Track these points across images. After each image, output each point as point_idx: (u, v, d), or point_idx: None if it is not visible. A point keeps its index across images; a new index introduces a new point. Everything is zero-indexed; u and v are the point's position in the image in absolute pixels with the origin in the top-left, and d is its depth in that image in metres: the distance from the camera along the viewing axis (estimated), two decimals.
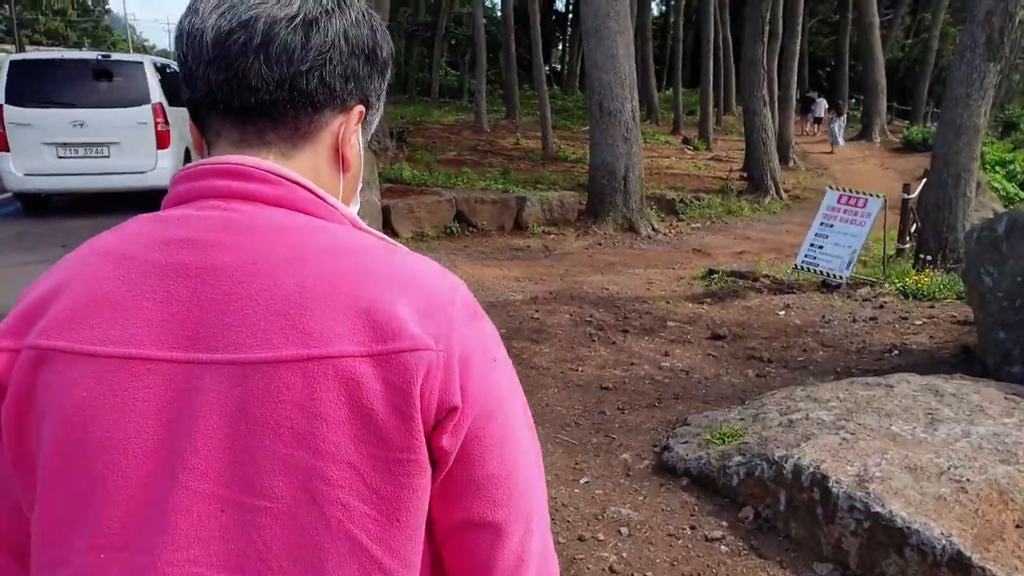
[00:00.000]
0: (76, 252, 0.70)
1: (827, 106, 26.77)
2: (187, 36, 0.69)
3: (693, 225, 13.05)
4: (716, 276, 8.05)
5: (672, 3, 36.37)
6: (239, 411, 0.61)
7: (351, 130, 0.74)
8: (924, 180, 9.60)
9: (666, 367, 5.17)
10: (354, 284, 0.64)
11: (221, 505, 0.61)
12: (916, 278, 7.02)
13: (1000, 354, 4.22)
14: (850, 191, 8.28)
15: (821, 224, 8.34)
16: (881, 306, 6.66)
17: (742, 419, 3.60)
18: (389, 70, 0.78)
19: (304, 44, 0.68)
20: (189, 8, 0.70)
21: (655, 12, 33.52)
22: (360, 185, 0.81)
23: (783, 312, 6.66)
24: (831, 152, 23.60)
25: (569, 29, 45.86)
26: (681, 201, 14.30)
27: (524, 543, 0.69)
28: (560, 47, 48.91)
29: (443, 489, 0.67)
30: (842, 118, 24.85)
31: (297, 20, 0.68)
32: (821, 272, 8.12)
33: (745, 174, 18.49)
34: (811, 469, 2.87)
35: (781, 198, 15.91)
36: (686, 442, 3.53)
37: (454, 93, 40.47)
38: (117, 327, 0.63)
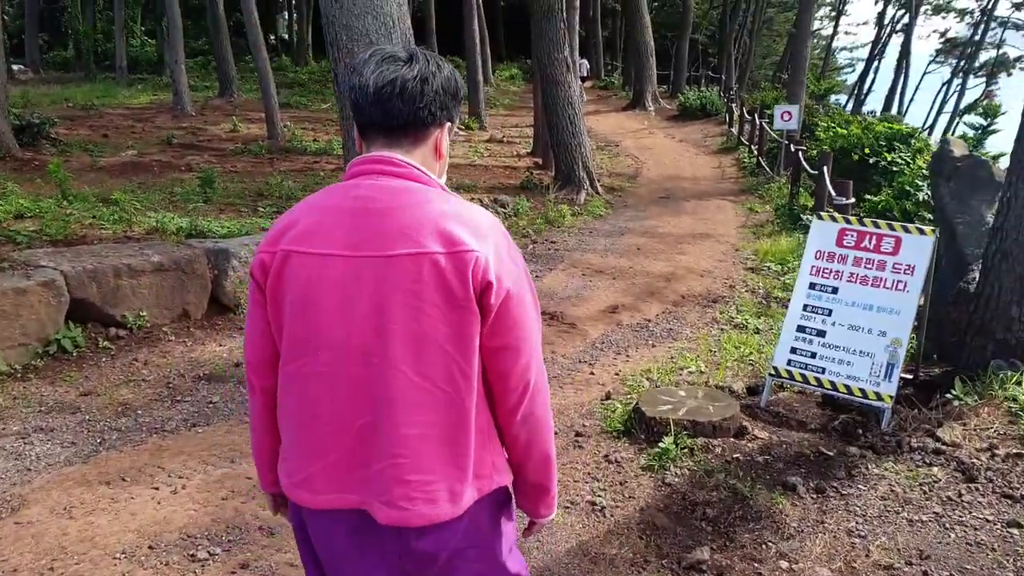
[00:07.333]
0: (302, 204, 1.43)
1: (589, 66, 24.31)
2: (358, 88, 1.37)
3: None
4: (666, 444, 3.71)
5: None
6: (381, 280, 1.31)
7: (444, 136, 1.45)
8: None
9: None
10: (437, 219, 1.32)
11: (373, 324, 1.33)
12: None
13: None
14: (860, 221, 4.35)
15: (811, 287, 4.38)
16: None
17: None
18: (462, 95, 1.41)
19: (422, 91, 1.36)
20: (356, 72, 1.38)
21: None
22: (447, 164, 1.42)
23: None
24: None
25: None
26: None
27: (529, 358, 1.40)
28: (287, 14, 41.82)
29: (489, 329, 1.35)
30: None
31: (418, 78, 1.36)
32: (829, 385, 4.18)
33: (540, 161, 14.66)
34: None
35: (598, 192, 12.21)
36: None
37: (155, 68, 32.31)
38: (324, 240, 1.34)
